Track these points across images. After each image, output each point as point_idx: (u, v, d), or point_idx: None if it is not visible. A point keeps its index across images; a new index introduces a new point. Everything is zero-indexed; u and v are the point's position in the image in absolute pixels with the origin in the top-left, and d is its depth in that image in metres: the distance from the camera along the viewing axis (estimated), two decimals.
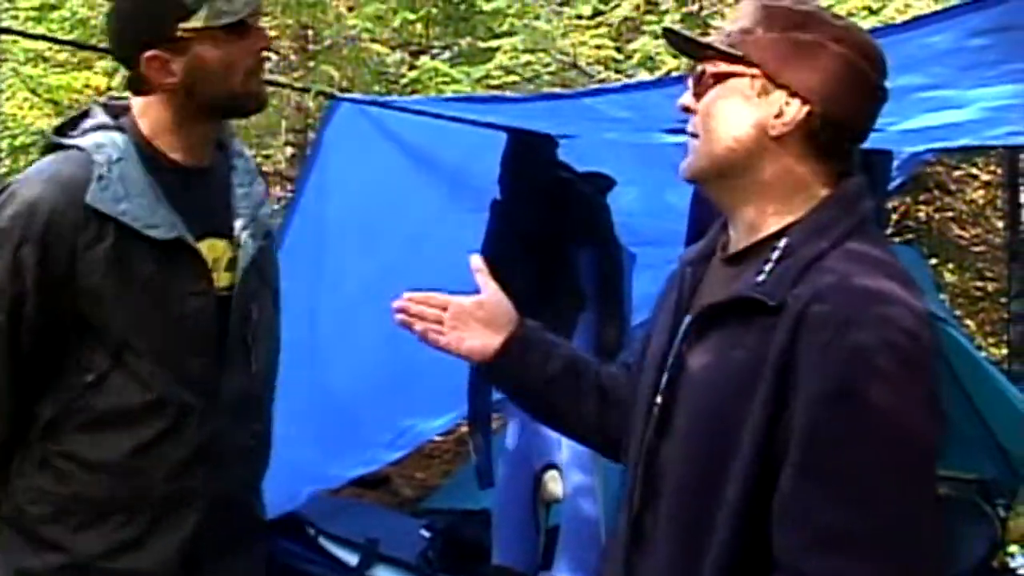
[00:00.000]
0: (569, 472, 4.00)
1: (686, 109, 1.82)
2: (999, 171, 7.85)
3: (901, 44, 3.01)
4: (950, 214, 8.16)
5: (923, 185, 7.61)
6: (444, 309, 2.07)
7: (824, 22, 1.75)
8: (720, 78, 1.77)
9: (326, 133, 4.47)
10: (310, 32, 7.63)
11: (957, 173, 7.82)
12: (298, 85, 6.33)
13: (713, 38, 1.80)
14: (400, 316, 2.08)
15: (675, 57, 5.84)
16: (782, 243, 1.73)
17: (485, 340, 2.06)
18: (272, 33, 7.77)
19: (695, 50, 1.82)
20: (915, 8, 5.46)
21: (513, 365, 2.07)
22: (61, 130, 2.39)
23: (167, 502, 2.35)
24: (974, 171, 8.04)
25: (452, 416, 5.64)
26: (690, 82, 1.83)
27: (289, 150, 8.31)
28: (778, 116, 1.74)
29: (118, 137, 2.33)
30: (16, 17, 7.08)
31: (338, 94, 4.70)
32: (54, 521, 2.33)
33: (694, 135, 1.81)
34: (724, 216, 1.91)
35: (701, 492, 1.71)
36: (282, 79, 7.08)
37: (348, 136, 4.44)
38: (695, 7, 6.76)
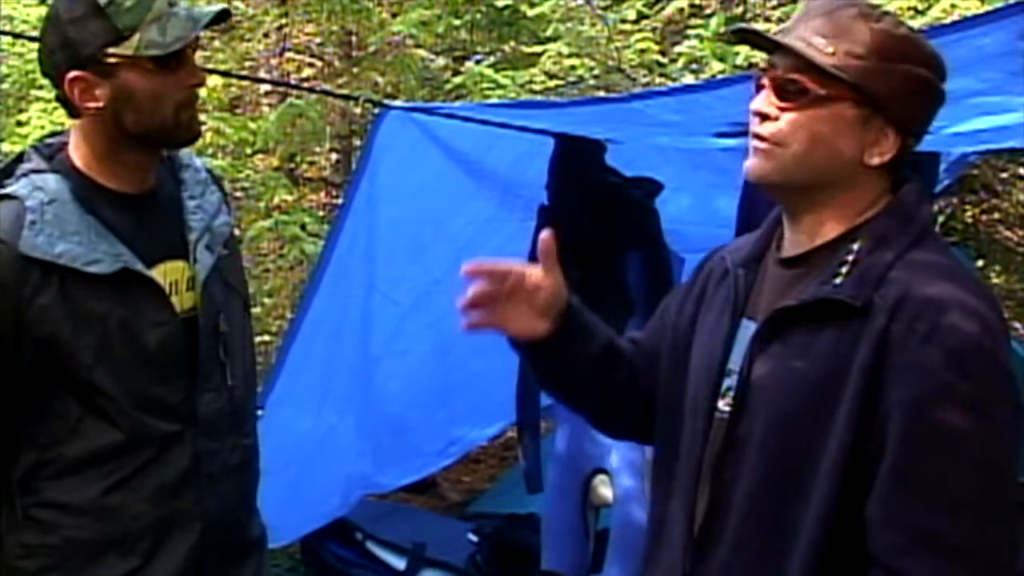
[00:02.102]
0: (619, 477, 4.00)
1: (762, 115, 1.79)
2: None
3: (951, 46, 2.97)
4: (997, 216, 8.07)
5: (969, 187, 7.54)
6: (504, 278, 1.96)
7: (921, 50, 1.75)
8: (826, 100, 1.75)
9: (376, 140, 4.47)
10: (354, 38, 7.65)
11: (1004, 174, 7.73)
12: (343, 91, 6.36)
13: (809, 50, 1.74)
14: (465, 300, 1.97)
15: (721, 60, 5.81)
16: (855, 246, 1.75)
17: (533, 324, 1.97)
18: (317, 39, 7.81)
19: (801, 63, 1.75)
20: (961, 9, 5.41)
21: (555, 350, 2.00)
22: None
23: (160, 528, 2.35)
24: (1022, 171, 7.95)
25: (501, 425, 5.66)
26: (766, 82, 1.79)
27: (334, 156, 8.33)
28: (874, 144, 1.75)
29: (50, 178, 2.29)
30: None
31: (387, 102, 4.69)
32: (50, 571, 2.33)
33: (775, 144, 1.78)
34: (773, 216, 1.91)
35: (782, 497, 1.73)
36: (327, 86, 7.11)
37: (397, 143, 4.45)
38: (739, 10, 6.74)
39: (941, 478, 1.62)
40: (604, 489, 4.10)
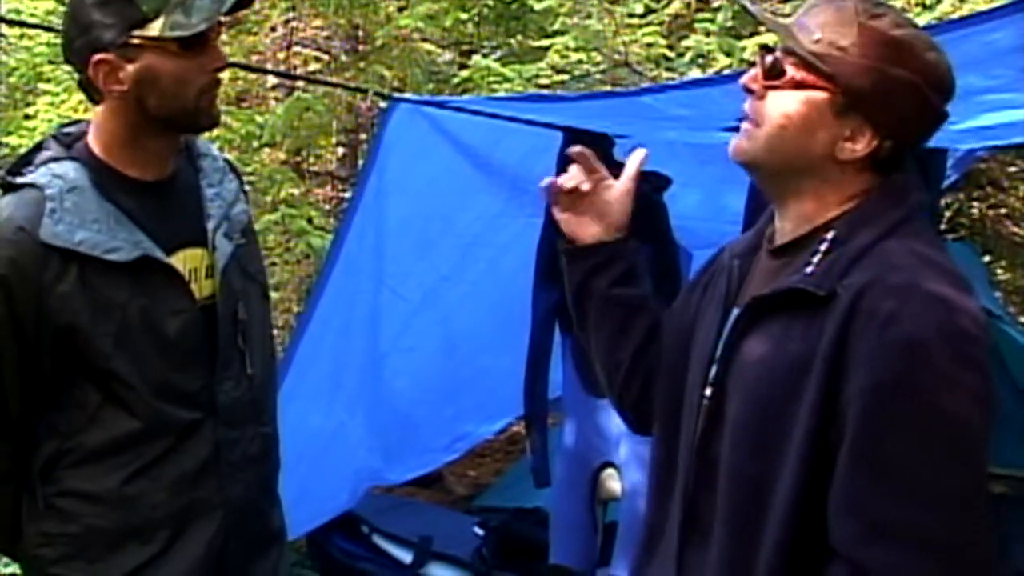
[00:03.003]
0: (627, 470, 3.99)
1: (749, 90, 1.82)
2: None
3: (961, 41, 2.98)
4: (1004, 211, 8.08)
5: (976, 182, 7.54)
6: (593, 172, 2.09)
7: (914, 55, 1.73)
8: (801, 85, 1.76)
9: (385, 134, 4.46)
10: (360, 32, 7.65)
11: (1011, 169, 7.73)
12: (350, 85, 6.36)
13: (792, 35, 1.77)
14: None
15: (727, 55, 5.81)
16: (830, 235, 1.76)
17: (591, 229, 2.09)
18: (324, 33, 7.81)
19: (783, 44, 1.79)
20: (970, 3, 5.39)
21: (595, 260, 2.09)
22: (17, 167, 2.36)
23: (181, 517, 2.36)
24: None
25: (508, 420, 5.68)
26: (757, 60, 1.82)
27: (340, 150, 8.33)
28: (848, 139, 1.75)
29: (70, 166, 2.31)
30: None
31: (396, 95, 4.69)
32: (70, 559, 2.34)
33: (754, 122, 1.81)
34: (770, 210, 1.93)
35: (755, 481, 1.75)
36: (333, 79, 7.11)
37: (406, 137, 4.44)
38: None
39: (899, 466, 1.61)
40: (612, 483, 4.09)
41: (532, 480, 4.50)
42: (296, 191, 6.84)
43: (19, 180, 2.31)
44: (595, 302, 2.12)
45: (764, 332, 1.78)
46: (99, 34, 2.25)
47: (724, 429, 1.81)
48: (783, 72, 1.77)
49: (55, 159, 2.33)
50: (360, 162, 7.90)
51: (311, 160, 8.13)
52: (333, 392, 4.74)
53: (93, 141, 2.37)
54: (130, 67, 2.26)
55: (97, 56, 2.26)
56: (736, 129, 1.90)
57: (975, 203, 7.94)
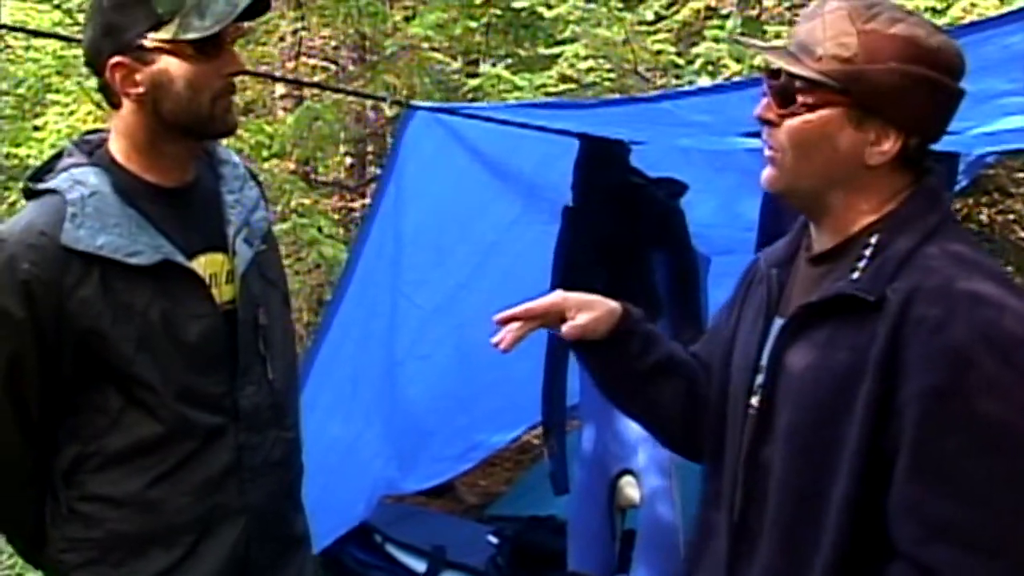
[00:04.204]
0: (646, 477, 4.00)
1: (765, 121, 1.82)
2: None
3: (978, 44, 2.97)
4: (1011, 216, 8.09)
5: (983, 188, 7.56)
6: (539, 317, 2.07)
7: (919, 48, 1.72)
8: (815, 106, 1.76)
9: (402, 142, 4.46)
10: (367, 42, 7.65)
11: (1018, 175, 7.75)
12: (366, 93, 6.36)
13: (792, 61, 1.77)
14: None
15: (738, 62, 5.81)
16: (873, 240, 1.77)
17: (583, 327, 2.05)
18: (332, 43, 7.81)
19: (788, 74, 1.78)
20: (981, 8, 5.39)
21: (607, 354, 2.07)
22: (39, 174, 2.37)
23: (204, 522, 2.36)
24: None
25: (522, 429, 5.66)
26: (767, 89, 1.82)
27: (348, 160, 8.32)
28: (874, 144, 1.75)
29: (91, 172, 2.31)
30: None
31: (415, 103, 4.68)
32: (94, 564, 2.34)
33: (779, 151, 1.81)
34: (804, 217, 1.93)
35: (808, 490, 1.76)
36: (346, 88, 7.11)
37: (423, 145, 4.44)
38: (755, 12, 6.74)
39: (948, 469, 1.63)
40: (631, 491, 4.10)
41: (545, 488, 4.50)
42: (306, 200, 6.83)
43: (40, 186, 2.32)
44: (621, 388, 2.14)
45: (811, 340, 1.78)
46: (116, 37, 2.27)
47: (773, 437, 1.81)
48: (794, 98, 1.77)
49: (76, 165, 2.34)
50: (368, 172, 7.91)
51: (319, 170, 8.13)
52: (351, 401, 4.73)
53: (113, 147, 2.38)
54: (146, 70, 2.27)
55: (114, 59, 2.27)
56: (758, 135, 1.90)
57: (983, 209, 7.95)
